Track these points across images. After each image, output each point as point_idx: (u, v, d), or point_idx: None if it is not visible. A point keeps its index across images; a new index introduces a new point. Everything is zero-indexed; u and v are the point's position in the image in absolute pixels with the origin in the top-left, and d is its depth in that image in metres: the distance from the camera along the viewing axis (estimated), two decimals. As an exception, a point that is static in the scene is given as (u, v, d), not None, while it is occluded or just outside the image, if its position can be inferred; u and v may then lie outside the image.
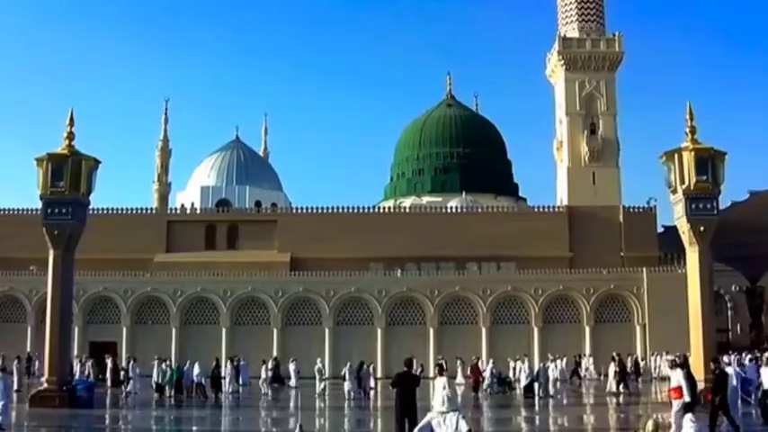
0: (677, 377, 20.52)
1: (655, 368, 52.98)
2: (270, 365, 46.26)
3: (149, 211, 74.51)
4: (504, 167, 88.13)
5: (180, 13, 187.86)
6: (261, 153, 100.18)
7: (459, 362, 49.30)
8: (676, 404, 20.05)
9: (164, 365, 38.78)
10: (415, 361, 21.72)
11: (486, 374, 42.10)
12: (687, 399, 19.77)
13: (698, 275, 30.98)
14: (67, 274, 32.05)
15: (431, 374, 50.39)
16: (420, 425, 15.28)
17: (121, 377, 40.88)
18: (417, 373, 21.85)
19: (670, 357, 24.54)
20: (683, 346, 38.51)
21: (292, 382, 43.73)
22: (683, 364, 21.88)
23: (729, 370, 22.24)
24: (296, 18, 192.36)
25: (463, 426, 15.16)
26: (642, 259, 62.39)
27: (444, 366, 18.65)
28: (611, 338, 56.61)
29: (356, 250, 64.05)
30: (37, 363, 48.43)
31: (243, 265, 61.97)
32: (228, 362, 42.64)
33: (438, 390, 17.10)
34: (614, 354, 42.31)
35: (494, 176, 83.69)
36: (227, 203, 78.48)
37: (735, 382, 22.19)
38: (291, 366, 45.00)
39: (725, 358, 41.31)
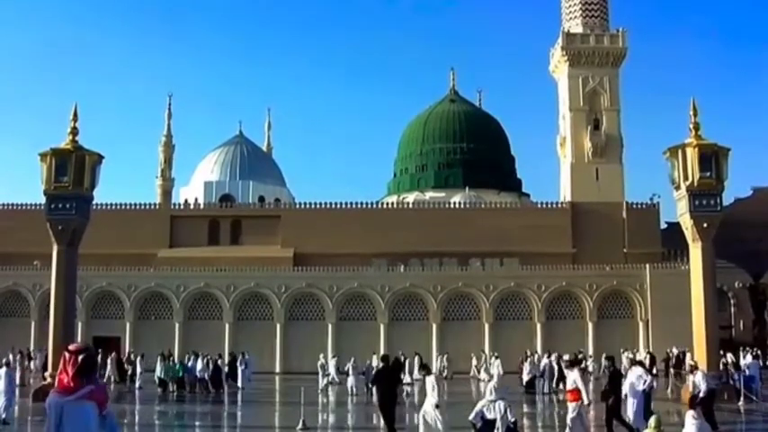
0: (573, 377, 19.13)
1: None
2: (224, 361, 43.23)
3: (153, 207, 74.51)
4: (507, 163, 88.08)
5: (183, 8, 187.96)
6: (264, 148, 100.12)
7: (492, 357, 48.82)
8: (572, 407, 18.60)
9: (170, 361, 38.88)
10: (393, 357, 21.80)
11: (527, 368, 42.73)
12: (586, 401, 18.53)
13: (701, 272, 31.00)
14: (71, 269, 32.14)
15: (434, 370, 50.64)
16: (474, 411, 16.29)
17: (129, 372, 40.93)
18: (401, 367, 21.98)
19: (567, 357, 23.21)
20: (686, 343, 38.67)
21: (333, 377, 42.32)
22: (578, 363, 20.81)
23: (636, 371, 20.63)
24: (299, 13, 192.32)
25: (510, 414, 16.24)
26: (645, 255, 62.34)
27: (430, 366, 19.05)
28: (614, 335, 56.67)
29: (359, 246, 64.05)
30: (37, 358, 48.37)
31: (246, 260, 62.02)
32: (240, 356, 42.58)
33: (428, 389, 18.20)
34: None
35: (497, 172, 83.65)
36: (231, 199, 78.54)
37: (638, 382, 20.48)
38: (332, 363, 43.91)
39: (728, 356, 41.34)
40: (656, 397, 38.04)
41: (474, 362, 49.50)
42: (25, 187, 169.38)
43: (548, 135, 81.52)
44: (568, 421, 18.40)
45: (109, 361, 43.82)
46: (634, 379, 20.51)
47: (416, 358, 44.58)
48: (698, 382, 22.09)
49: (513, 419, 16.48)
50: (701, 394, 20.94)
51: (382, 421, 19.78)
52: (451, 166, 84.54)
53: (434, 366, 46.25)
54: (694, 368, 22.87)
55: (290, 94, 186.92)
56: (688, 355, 49.85)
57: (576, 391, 18.59)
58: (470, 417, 16.66)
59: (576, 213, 68.30)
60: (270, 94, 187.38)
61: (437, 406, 17.93)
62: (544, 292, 59.23)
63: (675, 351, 49.03)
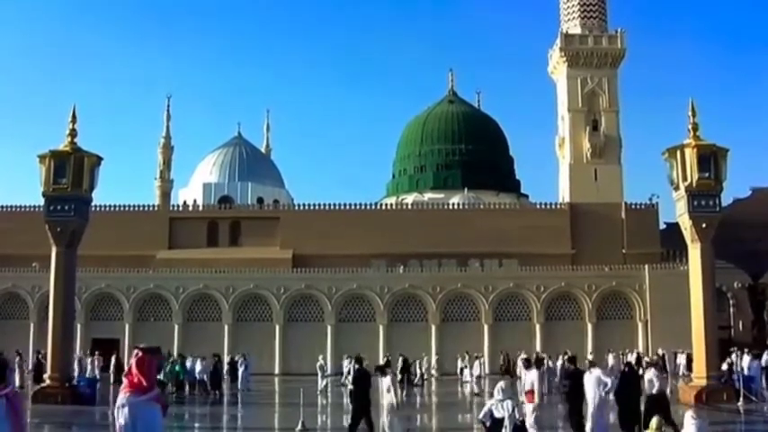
0: (531, 378, 18.83)
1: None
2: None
3: (152, 208, 74.56)
4: (506, 164, 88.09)
5: (182, 9, 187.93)
6: (263, 150, 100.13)
7: (473, 358, 48.93)
8: (531, 408, 18.39)
9: (172, 362, 38.86)
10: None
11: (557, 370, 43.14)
12: (536, 401, 18.43)
13: (700, 272, 31.00)
14: (70, 271, 32.10)
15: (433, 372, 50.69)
16: (483, 410, 16.64)
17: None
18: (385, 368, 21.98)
19: (524, 356, 22.85)
20: (686, 343, 38.69)
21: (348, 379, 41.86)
22: (537, 364, 20.22)
23: (595, 372, 20.43)
24: (297, 15, 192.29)
25: (517, 413, 16.59)
26: (644, 256, 62.38)
27: (387, 367, 19.28)
28: (613, 335, 56.72)
29: (358, 247, 64.05)
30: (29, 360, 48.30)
31: (245, 261, 62.02)
32: (241, 357, 42.53)
33: (383, 390, 18.66)
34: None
35: (496, 173, 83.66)
36: (230, 200, 78.53)
37: (607, 381, 20.00)
38: (345, 363, 42.93)
39: (732, 356, 41.35)
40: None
41: (459, 363, 49.38)
42: (24, 189, 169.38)
43: (546, 136, 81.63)
44: (529, 424, 18.00)
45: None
46: (592, 382, 20.46)
47: (400, 360, 44.50)
48: (647, 380, 21.55)
49: (520, 419, 16.77)
50: (654, 391, 20.60)
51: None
52: (450, 167, 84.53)
53: (419, 367, 45.99)
54: (650, 365, 22.60)
55: (289, 95, 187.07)
56: (681, 356, 50.14)
57: (533, 392, 18.43)
58: (480, 416, 16.99)
59: (575, 214, 68.33)
60: (268, 95, 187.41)
61: (397, 407, 18.36)
62: (543, 292, 59.25)
63: (661, 352, 49.11)
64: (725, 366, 34.02)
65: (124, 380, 6.84)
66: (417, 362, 46.02)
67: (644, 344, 57.34)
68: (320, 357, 44.96)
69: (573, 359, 22.44)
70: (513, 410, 16.36)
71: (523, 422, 17.04)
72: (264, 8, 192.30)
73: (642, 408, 19.65)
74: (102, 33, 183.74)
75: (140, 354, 6.90)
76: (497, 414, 16.40)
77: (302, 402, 23.70)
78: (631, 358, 48.51)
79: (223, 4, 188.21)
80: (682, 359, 50.21)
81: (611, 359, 48.34)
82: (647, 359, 44.85)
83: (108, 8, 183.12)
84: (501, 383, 17.26)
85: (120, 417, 6.69)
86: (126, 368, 6.89)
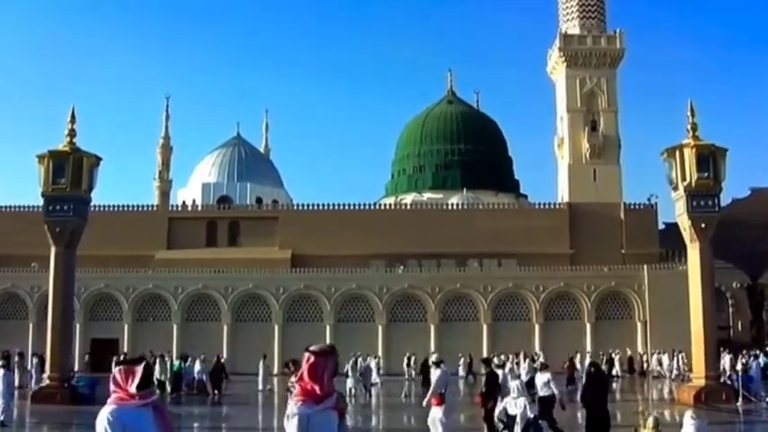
0: (434, 379, 18.05)
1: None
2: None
3: (151, 208, 74.54)
4: (504, 164, 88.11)
5: (180, 10, 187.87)
6: (262, 150, 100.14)
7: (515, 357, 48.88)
8: (437, 411, 17.50)
9: (177, 361, 38.86)
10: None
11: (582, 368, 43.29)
12: (424, 403, 17.78)
13: (699, 272, 31.00)
14: (69, 271, 32.09)
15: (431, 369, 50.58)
16: (498, 408, 17.30)
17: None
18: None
19: (433, 358, 22.54)
20: (685, 343, 38.66)
21: (375, 379, 41.21)
22: (438, 365, 19.78)
23: (543, 377, 19.91)
24: (296, 15, 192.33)
25: (529, 411, 17.25)
26: (643, 256, 62.40)
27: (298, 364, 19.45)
28: (612, 336, 56.73)
29: (357, 247, 64.07)
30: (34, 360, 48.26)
31: (244, 261, 62.00)
32: (262, 360, 42.38)
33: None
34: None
35: (495, 173, 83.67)
36: (229, 200, 78.51)
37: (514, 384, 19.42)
38: (372, 363, 42.93)
39: (726, 358, 41.41)
40: (655, 397, 38.21)
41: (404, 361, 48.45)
42: (23, 189, 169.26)
43: (545, 136, 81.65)
44: (431, 425, 17.38)
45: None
46: (540, 385, 20.26)
47: (374, 361, 44.44)
48: (542, 381, 21.12)
49: (532, 415, 17.31)
50: (540, 393, 20.42)
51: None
52: (449, 168, 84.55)
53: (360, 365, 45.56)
54: (544, 366, 22.39)
55: (288, 95, 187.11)
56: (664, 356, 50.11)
57: (442, 395, 17.73)
58: (496, 413, 17.65)
59: (574, 214, 68.34)
60: (267, 95, 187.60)
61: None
62: (542, 292, 59.26)
63: (609, 352, 49.18)
64: (739, 366, 34.23)
65: (296, 386, 6.25)
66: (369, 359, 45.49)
67: (643, 344, 57.37)
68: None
69: (488, 361, 22.30)
70: (525, 408, 16.96)
71: (536, 417, 17.48)
72: (263, 9, 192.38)
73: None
74: (102, 34, 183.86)
75: (312, 357, 6.17)
76: (512, 411, 17.11)
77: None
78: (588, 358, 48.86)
79: (222, 5, 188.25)
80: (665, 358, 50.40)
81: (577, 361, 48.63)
82: (539, 361, 43.84)
83: (107, 9, 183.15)
84: (516, 383, 17.93)
85: (290, 428, 6.10)
86: (297, 373, 6.34)
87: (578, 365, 45.46)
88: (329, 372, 6.16)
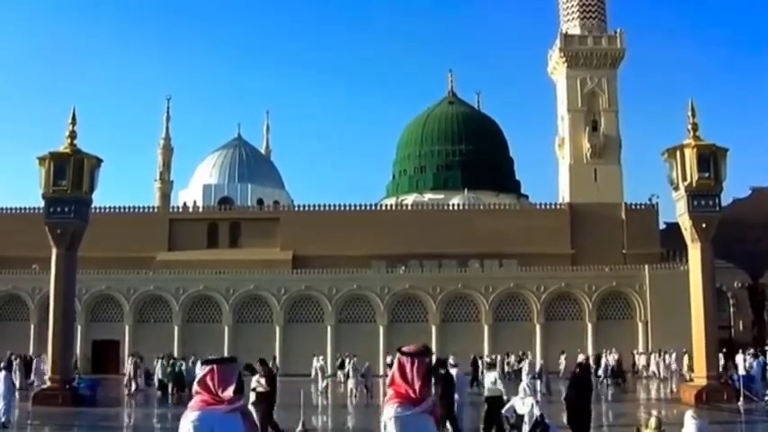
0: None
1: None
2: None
3: (152, 210, 74.51)
4: (505, 164, 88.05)
5: (180, 10, 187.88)
6: (263, 151, 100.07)
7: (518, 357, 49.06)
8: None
9: (179, 363, 38.90)
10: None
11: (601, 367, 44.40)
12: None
13: (700, 272, 31.02)
14: (70, 273, 32.11)
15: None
16: (507, 406, 17.85)
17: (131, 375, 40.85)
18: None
19: (390, 359, 22.09)
20: (686, 343, 38.67)
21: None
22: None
23: (490, 376, 20.05)
24: (297, 15, 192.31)
25: (536, 410, 17.56)
26: (644, 256, 62.39)
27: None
28: (613, 336, 56.68)
29: (358, 248, 64.06)
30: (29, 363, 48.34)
31: (245, 263, 62.00)
32: (272, 361, 42.45)
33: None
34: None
35: (496, 174, 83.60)
36: (230, 201, 78.49)
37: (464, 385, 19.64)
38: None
39: (737, 357, 41.43)
40: (655, 397, 38.22)
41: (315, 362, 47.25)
42: (24, 191, 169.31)
43: (546, 136, 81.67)
44: (383, 427, 17.83)
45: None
46: (488, 384, 20.28)
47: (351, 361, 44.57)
48: (490, 381, 21.20)
49: (539, 413, 17.63)
50: (486, 393, 20.37)
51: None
52: (450, 168, 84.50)
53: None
54: (491, 366, 22.33)
55: (289, 96, 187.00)
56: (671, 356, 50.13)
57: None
58: (503, 410, 18.23)
59: (575, 214, 68.33)
60: (268, 96, 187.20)
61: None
62: (543, 293, 59.27)
63: (617, 356, 49.07)
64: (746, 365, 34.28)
65: (389, 390, 5.91)
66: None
67: (644, 344, 57.36)
68: (320, 358, 44.95)
69: (444, 362, 22.30)
70: (532, 407, 17.37)
71: (542, 416, 17.62)
72: (264, 10, 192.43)
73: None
74: (102, 35, 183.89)
75: (406, 359, 5.80)
76: (519, 410, 17.57)
77: (302, 403, 23.68)
78: (582, 358, 48.76)
79: (222, 6, 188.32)
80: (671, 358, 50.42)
81: (563, 360, 48.71)
82: (488, 360, 43.09)
83: (107, 9, 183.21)
84: (524, 383, 18.46)
85: None
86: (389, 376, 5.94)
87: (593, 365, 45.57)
88: (422, 373, 5.82)
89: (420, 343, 6.23)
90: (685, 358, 48.67)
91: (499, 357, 49.37)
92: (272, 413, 19.85)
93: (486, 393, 20.70)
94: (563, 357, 49.65)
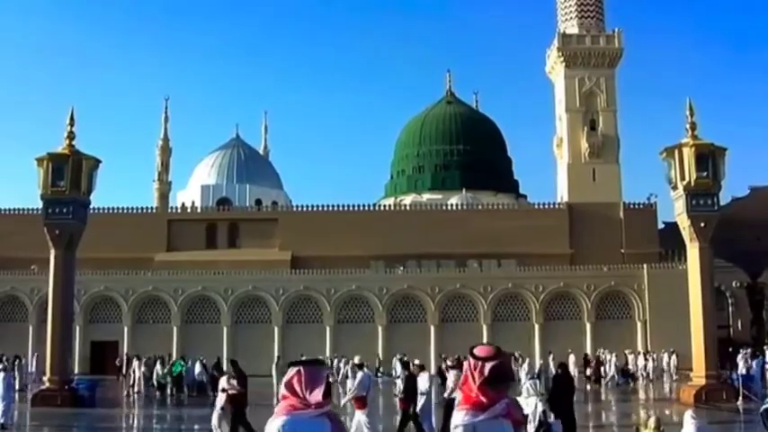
0: (357, 381, 18.36)
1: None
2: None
3: (150, 210, 74.46)
4: (504, 164, 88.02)
5: (179, 11, 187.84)
6: (261, 151, 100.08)
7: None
8: (360, 414, 17.87)
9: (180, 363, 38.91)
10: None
11: (611, 368, 44.66)
12: (340, 405, 18.00)
13: (699, 271, 31.00)
14: (68, 274, 32.08)
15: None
16: None
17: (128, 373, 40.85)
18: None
19: (357, 360, 21.98)
20: (685, 343, 38.63)
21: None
22: (361, 367, 19.04)
23: (423, 376, 19.83)
24: (295, 16, 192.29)
25: (540, 409, 17.91)
26: (643, 256, 62.37)
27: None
28: (612, 335, 56.70)
29: (357, 248, 64.03)
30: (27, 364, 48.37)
31: (244, 263, 61.95)
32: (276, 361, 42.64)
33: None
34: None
35: (494, 173, 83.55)
36: (228, 202, 78.43)
37: (428, 385, 19.45)
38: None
39: (738, 356, 41.43)
40: (655, 397, 38.23)
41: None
42: (22, 192, 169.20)
43: (544, 136, 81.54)
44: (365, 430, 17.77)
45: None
46: (450, 385, 20.38)
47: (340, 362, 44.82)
48: (450, 382, 21.07)
49: (542, 409, 18.03)
50: (448, 395, 20.32)
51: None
52: (448, 168, 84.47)
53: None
54: (450, 367, 22.34)
55: (287, 96, 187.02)
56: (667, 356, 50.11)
57: (362, 398, 17.77)
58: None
59: (574, 214, 68.32)
60: (266, 96, 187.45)
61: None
62: (542, 293, 59.27)
63: (604, 355, 48.97)
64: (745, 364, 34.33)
65: (458, 393, 5.61)
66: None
67: (643, 343, 57.36)
68: (320, 358, 44.89)
69: (407, 363, 22.30)
70: (535, 407, 17.60)
71: (545, 413, 17.98)
72: (262, 10, 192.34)
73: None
74: (100, 36, 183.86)
75: (471, 359, 5.47)
76: (524, 410, 17.28)
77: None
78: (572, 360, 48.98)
79: (220, 7, 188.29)
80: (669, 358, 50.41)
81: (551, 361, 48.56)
82: (449, 362, 42.91)
83: (105, 10, 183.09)
84: (529, 383, 18.59)
85: None
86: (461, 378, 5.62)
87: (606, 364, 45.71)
88: (488, 377, 5.45)
89: (488, 343, 5.93)
90: (673, 358, 48.85)
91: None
92: (244, 414, 19.80)
93: (445, 395, 20.69)
94: (551, 358, 49.09)
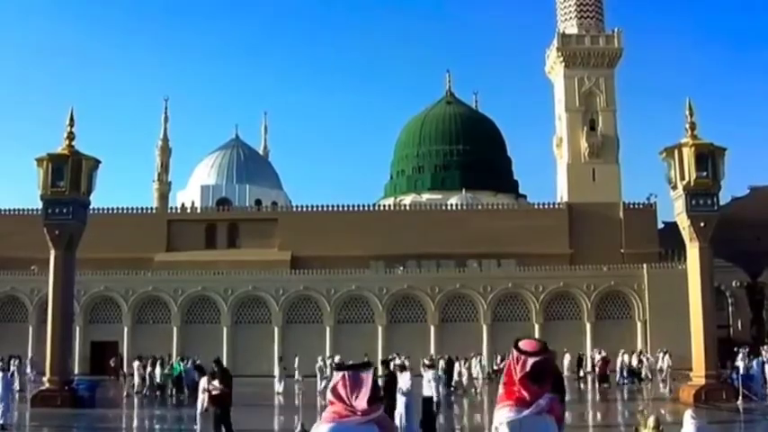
0: (334, 381, 18.24)
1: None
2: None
3: (150, 211, 74.48)
4: (503, 164, 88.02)
5: (179, 11, 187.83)
6: (261, 151, 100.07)
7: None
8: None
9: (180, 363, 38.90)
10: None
11: (618, 367, 44.77)
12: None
13: (698, 271, 31.02)
14: (68, 274, 32.09)
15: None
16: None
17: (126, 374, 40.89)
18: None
19: (338, 359, 21.41)
20: (684, 343, 38.61)
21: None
22: (340, 367, 19.11)
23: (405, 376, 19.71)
24: (295, 16, 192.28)
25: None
26: (642, 256, 62.35)
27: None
28: (612, 335, 56.68)
29: (357, 248, 64.03)
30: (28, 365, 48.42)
31: (243, 263, 61.94)
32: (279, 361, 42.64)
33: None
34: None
35: (494, 173, 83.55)
36: (228, 202, 78.42)
37: (405, 385, 19.30)
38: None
39: (738, 356, 41.45)
40: (654, 397, 38.20)
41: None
42: (22, 192, 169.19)
43: (544, 136, 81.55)
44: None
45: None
46: (424, 384, 20.45)
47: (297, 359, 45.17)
48: (425, 381, 21.03)
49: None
50: (425, 394, 20.21)
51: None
52: (448, 168, 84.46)
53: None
54: (428, 367, 22.30)
55: (287, 97, 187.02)
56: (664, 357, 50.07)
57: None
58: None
59: (573, 214, 68.32)
60: (266, 97, 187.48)
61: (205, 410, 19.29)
62: (542, 293, 59.26)
63: (598, 356, 48.78)
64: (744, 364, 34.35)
65: (501, 389, 5.42)
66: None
67: (643, 343, 57.34)
68: (319, 359, 44.93)
69: (386, 363, 22.18)
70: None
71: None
72: (262, 10, 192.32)
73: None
74: (100, 36, 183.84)
75: (514, 351, 5.31)
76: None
77: (301, 404, 23.64)
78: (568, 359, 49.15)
79: (220, 7, 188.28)
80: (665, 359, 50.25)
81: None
82: (426, 361, 42.91)
83: (105, 10, 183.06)
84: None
85: None
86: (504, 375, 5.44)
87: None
88: (530, 372, 5.30)
89: (538, 340, 5.68)
90: (666, 358, 48.82)
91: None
92: (228, 414, 19.74)
93: (423, 393, 20.71)
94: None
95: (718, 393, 29.17)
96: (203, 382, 19.81)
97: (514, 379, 5.34)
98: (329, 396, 5.05)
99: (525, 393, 5.30)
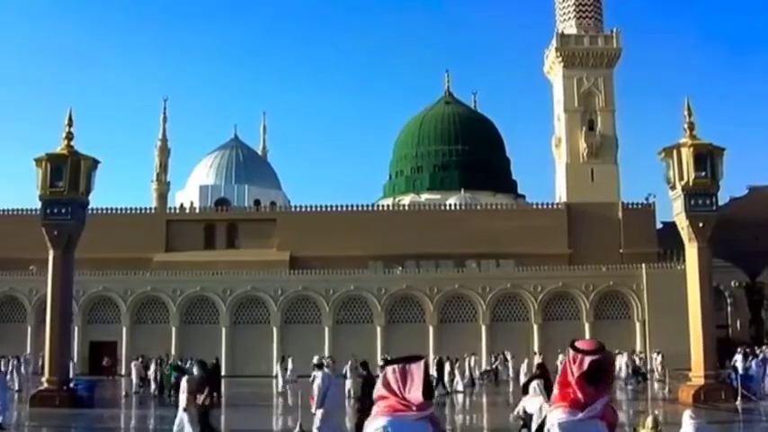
0: (317, 383, 18.38)
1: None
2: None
3: (148, 211, 74.42)
4: (502, 165, 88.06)
5: (178, 11, 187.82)
6: (259, 152, 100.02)
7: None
8: (318, 414, 18.07)
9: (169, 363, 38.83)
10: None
11: (622, 367, 44.26)
12: (313, 409, 18.06)
13: (697, 271, 31.03)
14: (67, 274, 32.07)
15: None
16: (518, 407, 18.78)
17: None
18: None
19: (317, 359, 21.53)
20: (683, 343, 38.62)
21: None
22: (320, 368, 19.14)
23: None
24: (294, 16, 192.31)
25: (545, 409, 17.78)
26: (641, 256, 62.35)
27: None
28: (611, 335, 56.55)
29: (355, 248, 64.01)
30: (30, 364, 48.38)
31: (242, 263, 61.90)
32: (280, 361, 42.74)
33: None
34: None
35: (492, 174, 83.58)
36: (226, 202, 78.38)
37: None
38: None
39: (736, 355, 41.44)
40: (653, 397, 38.22)
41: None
42: (21, 192, 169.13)
43: (543, 136, 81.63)
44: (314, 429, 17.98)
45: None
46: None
47: (290, 360, 45.50)
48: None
49: (547, 405, 17.97)
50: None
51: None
52: (447, 168, 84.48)
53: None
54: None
55: (286, 97, 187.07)
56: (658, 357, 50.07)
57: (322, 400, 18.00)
58: (514, 411, 19.13)
59: (572, 214, 68.33)
60: (265, 97, 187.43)
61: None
62: (540, 293, 59.24)
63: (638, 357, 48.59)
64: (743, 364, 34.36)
65: (555, 390, 5.24)
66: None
67: (642, 343, 57.35)
68: (315, 358, 44.88)
69: (365, 363, 22.12)
70: (541, 408, 17.60)
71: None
72: (262, 10, 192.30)
73: None
74: (99, 36, 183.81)
75: (570, 350, 5.15)
76: (529, 409, 18.24)
77: (300, 404, 23.63)
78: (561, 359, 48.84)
79: (219, 7, 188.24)
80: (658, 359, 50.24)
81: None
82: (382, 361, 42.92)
83: (105, 10, 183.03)
84: (535, 383, 19.00)
85: None
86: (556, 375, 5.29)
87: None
88: (586, 374, 5.15)
89: (595, 340, 5.58)
90: (659, 358, 48.87)
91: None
92: (207, 416, 19.72)
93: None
94: (538, 358, 48.89)
95: (717, 393, 29.17)
96: (184, 382, 19.78)
97: (570, 380, 5.19)
98: (380, 390, 4.88)
99: (580, 395, 5.14)
